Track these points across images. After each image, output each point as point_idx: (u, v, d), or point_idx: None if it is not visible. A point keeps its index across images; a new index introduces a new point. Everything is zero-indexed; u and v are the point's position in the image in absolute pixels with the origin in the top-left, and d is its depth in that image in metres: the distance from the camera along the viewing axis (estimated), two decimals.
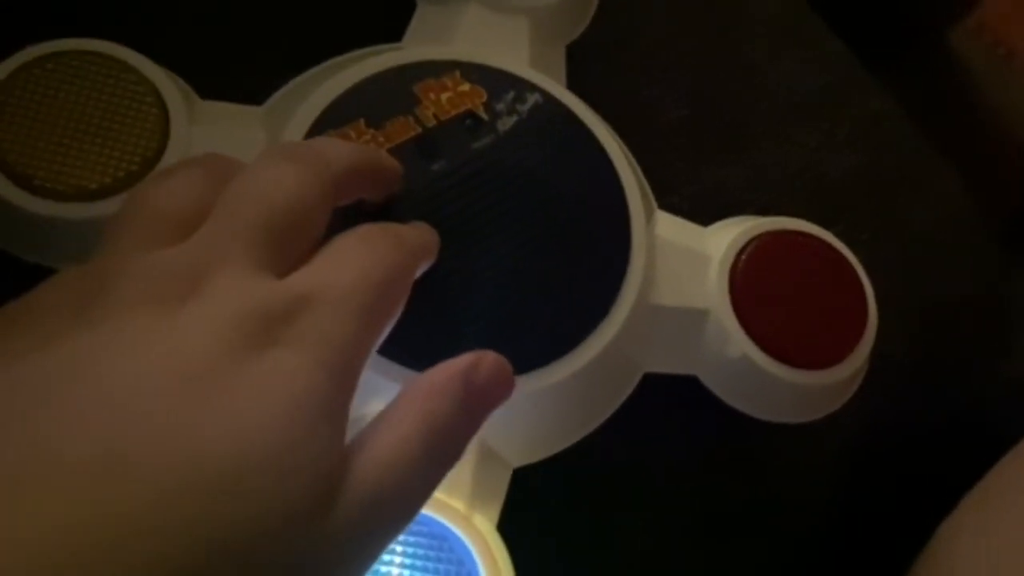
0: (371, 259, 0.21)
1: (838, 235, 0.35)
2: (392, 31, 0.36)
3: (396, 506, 0.19)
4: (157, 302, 0.18)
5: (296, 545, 0.17)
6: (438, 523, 0.27)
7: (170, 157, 0.30)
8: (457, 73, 0.32)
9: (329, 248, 0.21)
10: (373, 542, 0.19)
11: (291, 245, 0.21)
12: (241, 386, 0.17)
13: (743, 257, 0.33)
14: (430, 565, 0.27)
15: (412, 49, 0.33)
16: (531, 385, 0.29)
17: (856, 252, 0.34)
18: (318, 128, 0.30)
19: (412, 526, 0.27)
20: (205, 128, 0.31)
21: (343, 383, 0.19)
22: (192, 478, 0.16)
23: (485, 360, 0.22)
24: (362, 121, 0.30)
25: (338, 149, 0.24)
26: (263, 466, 0.17)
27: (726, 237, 0.33)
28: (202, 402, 0.17)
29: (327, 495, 0.18)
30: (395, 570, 0.26)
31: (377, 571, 0.26)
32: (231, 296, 0.19)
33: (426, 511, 0.27)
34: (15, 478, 0.16)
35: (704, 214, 0.35)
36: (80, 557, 0.15)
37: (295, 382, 0.18)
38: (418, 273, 0.25)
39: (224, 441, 0.17)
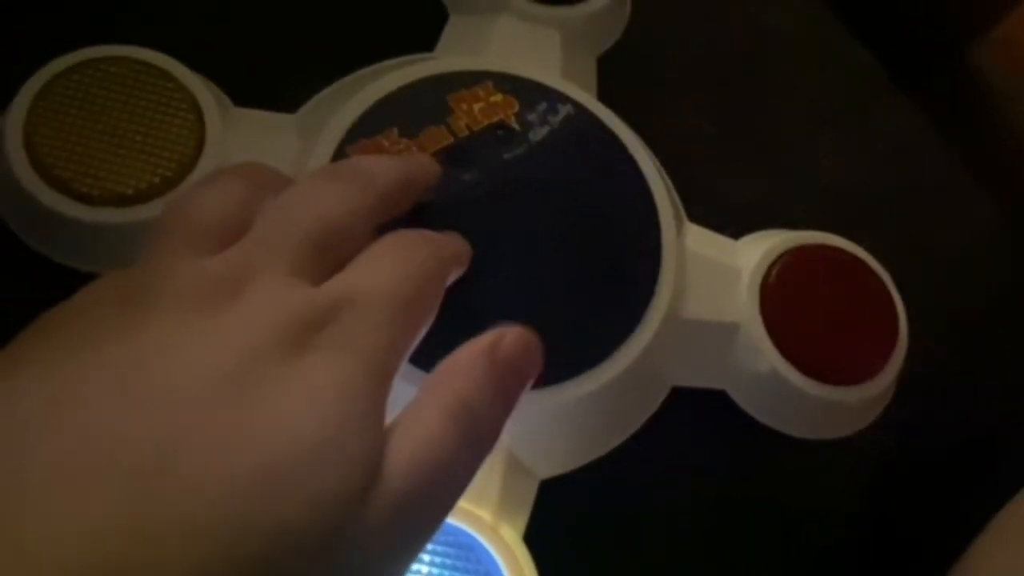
0: (405, 265, 0.21)
1: (865, 251, 0.35)
2: (425, 42, 0.36)
3: (435, 492, 0.19)
4: (199, 308, 0.19)
5: (338, 538, 0.17)
6: (465, 533, 0.27)
7: (205, 163, 0.30)
8: (489, 84, 0.32)
9: (365, 254, 0.22)
10: (414, 532, 0.19)
11: (331, 257, 0.21)
12: (281, 388, 0.18)
13: (774, 271, 0.33)
14: (457, 575, 0.27)
15: (445, 59, 0.33)
16: (559, 397, 0.29)
17: (883, 268, 0.34)
18: (352, 136, 0.30)
19: (439, 536, 0.27)
20: (239, 135, 0.31)
21: (378, 383, 0.19)
22: (234, 477, 0.16)
23: (508, 333, 0.22)
24: (395, 130, 0.30)
25: (384, 167, 0.25)
26: (303, 462, 0.17)
27: (757, 250, 0.33)
28: (243, 403, 0.17)
29: (366, 488, 0.18)
30: None
31: None
32: (270, 302, 0.19)
33: (453, 521, 0.27)
34: (62, 478, 0.16)
35: (733, 228, 0.35)
36: (124, 558, 0.15)
37: (332, 382, 0.18)
38: (450, 281, 0.25)
39: (265, 440, 0.17)
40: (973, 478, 0.35)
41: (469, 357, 0.21)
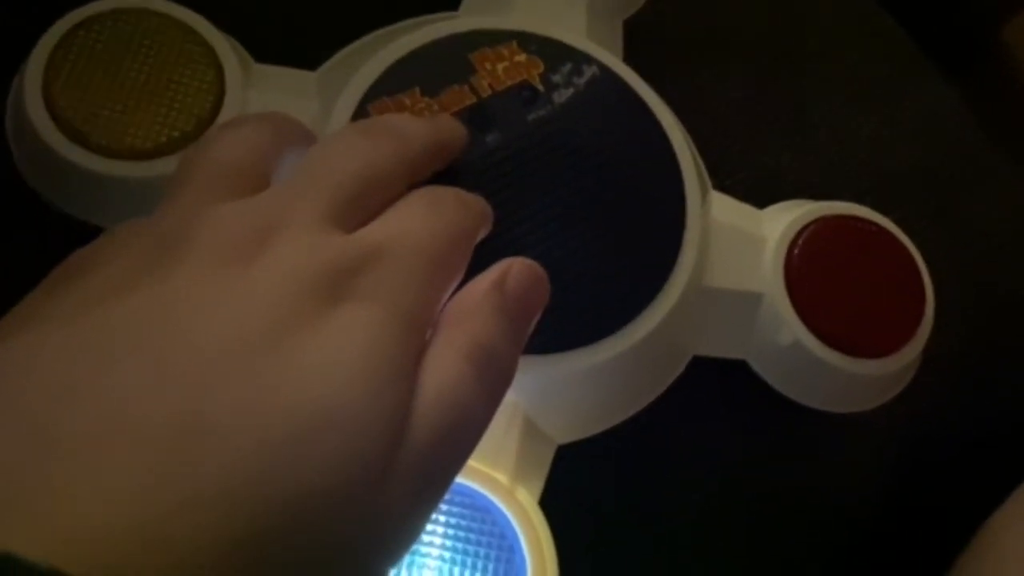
0: (438, 217, 0.21)
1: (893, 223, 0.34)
2: (448, 1, 0.35)
3: (457, 433, 0.19)
4: (228, 257, 0.18)
5: (370, 486, 0.17)
6: (482, 495, 0.27)
7: (224, 119, 0.30)
8: (514, 43, 0.32)
9: (397, 206, 0.21)
10: (438, 475, 0.19)
11: (363, 210, 0.21)
12: (314, 340, 0.17)
13: (800, 241, 0.32)
14: (472, 536, 0.27)
15: (469, 18, 0.33)
16: (578, 363, 0.28)
17: (911, 242, 0.34)
18: (372, 95, 0.30)
19: (456, 497, 0.27)
20: (259, 91, 0.31)
21: (410, 333, 0.19)
22: (267, 436, 0.16)
23: (513, 266, 0.22)
24: (417, 89, 0.30)
25: (416, 127, 0.24)
26: (337, 418, 0.17)
27: (783, 220, 0.33)
28: (277, 358, 0.17)
29: (396, 434, 0.17)
30: (438, 540, 0.26)
31: (420, 541, 0.26)
32: (302, 251, 0.19)
33: (470, 483, 0.27)
34: (90, 446, 0.15)
35: (759, 199, 0.35)
36: (157, 527, 0.15)
37: (366, 335, 0.18)
38: (478, 238, 0.24)
39: (299, 396, 0.17)
40: (994, 454, 0.35)
41: (478, 294, 0.21)
